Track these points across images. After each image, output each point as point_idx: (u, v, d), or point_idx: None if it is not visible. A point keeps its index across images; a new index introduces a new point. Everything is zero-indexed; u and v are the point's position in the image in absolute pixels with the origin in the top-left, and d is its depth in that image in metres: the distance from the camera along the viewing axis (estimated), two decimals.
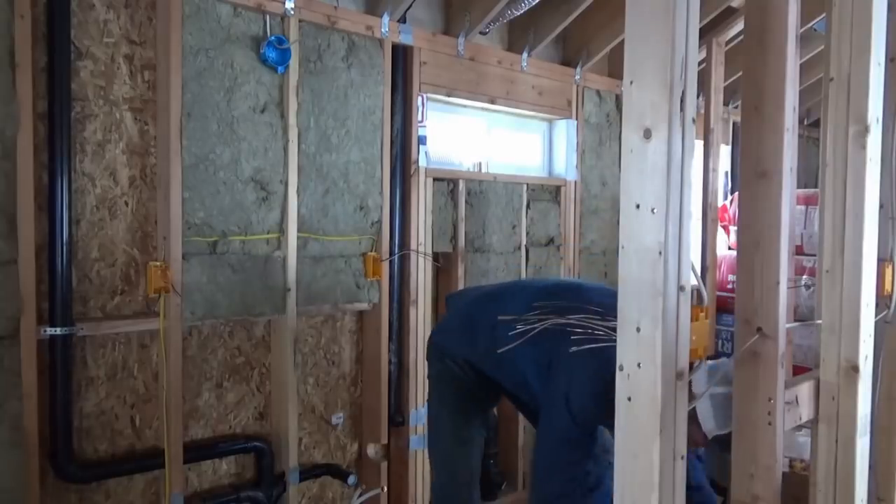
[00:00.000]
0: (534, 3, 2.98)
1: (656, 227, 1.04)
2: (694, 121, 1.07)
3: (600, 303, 1.97)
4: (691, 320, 1.12)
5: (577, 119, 3.67)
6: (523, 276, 3.45)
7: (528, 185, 3.50)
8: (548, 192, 3.62)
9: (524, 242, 3.48)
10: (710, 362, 1.56)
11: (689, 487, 2.18)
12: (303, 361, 2.75)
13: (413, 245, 2.98)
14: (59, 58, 2.07)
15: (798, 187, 2.79)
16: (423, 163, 2.99)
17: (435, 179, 3.09)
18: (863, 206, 1.54)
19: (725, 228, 4.52)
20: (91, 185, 2.20)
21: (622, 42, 1.08)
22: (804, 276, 3.91)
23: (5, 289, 2.00)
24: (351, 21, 2.71)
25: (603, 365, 1.82)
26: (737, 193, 4.23)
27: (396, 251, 2.94)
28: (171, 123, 2.26)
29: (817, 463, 1.61)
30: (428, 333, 2.86)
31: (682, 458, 1.10)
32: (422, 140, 2.98)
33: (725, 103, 4.17)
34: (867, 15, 1.51)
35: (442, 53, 3.03)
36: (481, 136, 3.47)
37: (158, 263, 2.27)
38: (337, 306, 2.80)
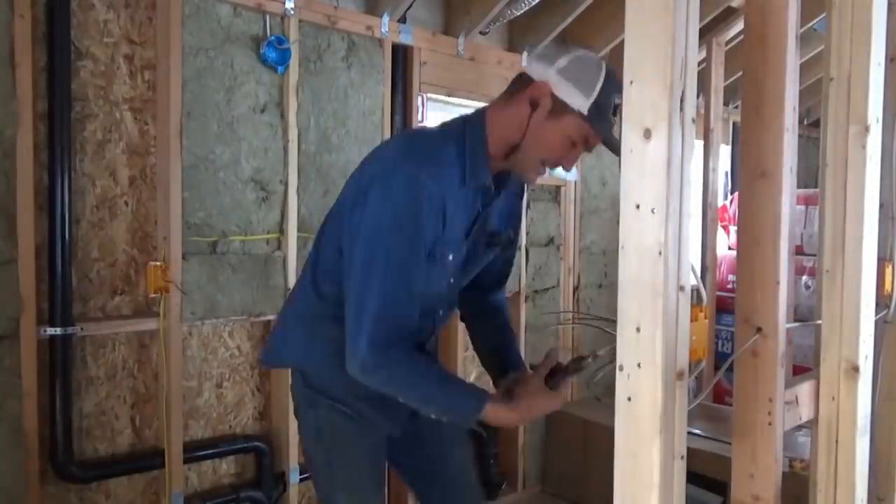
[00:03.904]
0: (534, 3, 2.97)
1: (656, 227, 1.04)
2: (694, 121, 1.07)
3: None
4: (691, 320, 1.12)
5: None
6: (524, 276, 3.45)
7: None
8: (548, 192, 3.62)
9: (524, 242, 3.47)
10: None
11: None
12: None
13: None
14: (59, 58, 2.07)
15: (798, 187, 2.79)
16: None
17: None
18: (863, 206, 1.54)
19: (725, 228, 4.52)
20: (91, 185, 2.20)
21: (622, 42, 1.08)
22: (804, 276, 3.91)
23: (5, 289, 2.01)
24: (351, 21, 2.71)
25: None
26: (737, 193, 4.23)
27: None
28: (171, 123, 2.26)
29: (817, 463, 1.61)
30: None
31: (683, 458, 1.10)
32: None
33: (725, 103, 4.17)
34: (867, 15, 1.50)
35: (442, 53, 3.03)
36: None
37: (158, 263, 2.27)
38: None
